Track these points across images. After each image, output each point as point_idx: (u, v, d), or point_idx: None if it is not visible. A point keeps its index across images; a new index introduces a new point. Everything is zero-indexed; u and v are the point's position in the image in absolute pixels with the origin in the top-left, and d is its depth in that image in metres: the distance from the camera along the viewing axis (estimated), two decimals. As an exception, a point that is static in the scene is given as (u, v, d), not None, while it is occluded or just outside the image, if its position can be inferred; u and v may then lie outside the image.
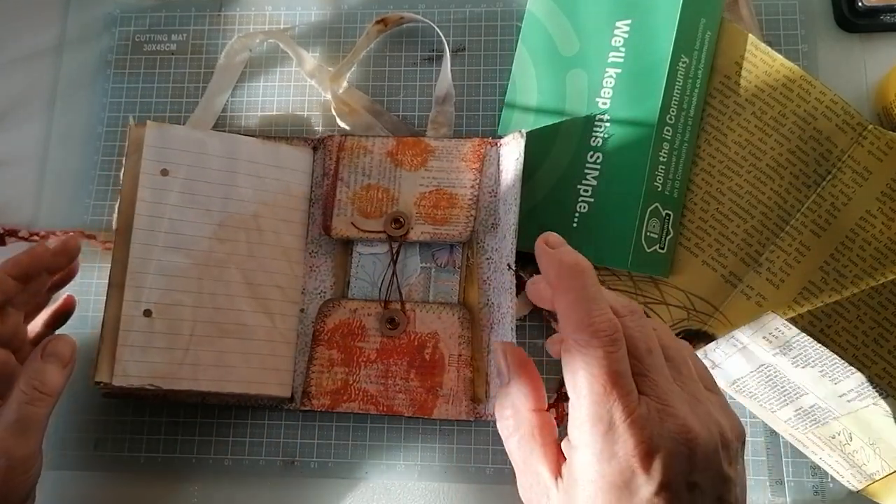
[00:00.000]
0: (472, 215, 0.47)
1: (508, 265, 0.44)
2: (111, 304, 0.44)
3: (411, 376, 0.45)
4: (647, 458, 0.28)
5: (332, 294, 0.48)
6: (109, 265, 0.45)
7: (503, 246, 0.45)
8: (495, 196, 0.47)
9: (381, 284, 0.47)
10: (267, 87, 0.52)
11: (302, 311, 0.47)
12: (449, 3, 0.52)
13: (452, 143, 0.48)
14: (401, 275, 0.47)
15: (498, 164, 0.47)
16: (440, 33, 0.50)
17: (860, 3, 0.48)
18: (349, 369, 0.46)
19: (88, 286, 0.49)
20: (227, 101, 0.52)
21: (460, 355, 0.45)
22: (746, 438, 0.45)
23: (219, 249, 0.46)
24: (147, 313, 0.44)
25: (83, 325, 0.49)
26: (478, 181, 0.47)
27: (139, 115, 0.52)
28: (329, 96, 0.51)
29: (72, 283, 0.49)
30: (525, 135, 0.45)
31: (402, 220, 0.47)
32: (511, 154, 0.46)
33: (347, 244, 0.48)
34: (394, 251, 0.47)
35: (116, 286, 0.44)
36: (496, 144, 0.47)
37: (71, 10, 0.54)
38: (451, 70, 0.50)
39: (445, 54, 0.50)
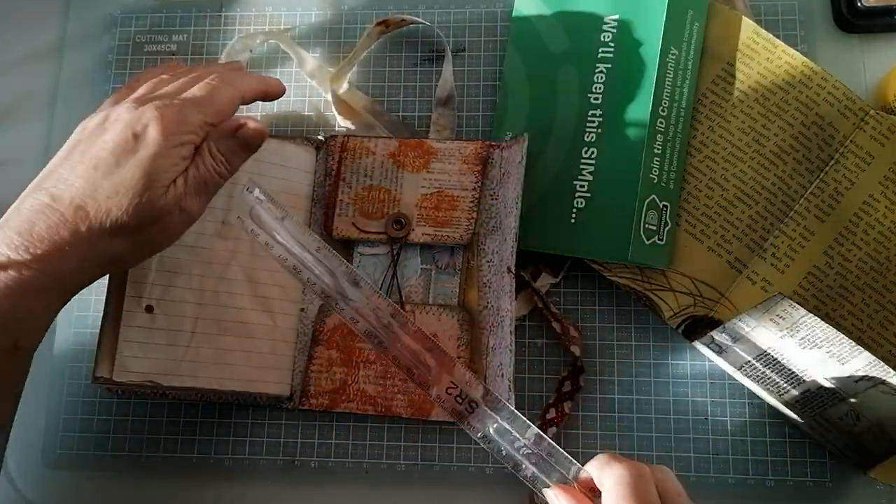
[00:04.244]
0: (473, 218, 0.47)
1: (508, 268, 0.44)
2: (112, 299, 0.44)
3: (409, 380, 0.45)
4: None
5: None
6: None
7: (503, 249, 0.45)
8: (496, 199, 0.47)
9: (382, 285, 0.47)
10: (267, 88, 0.52)
11: (302, 310, 0.47)
12: (449, 3, 0.52)
13: (455, 146, 0.48)
14: (401, 276, 0.47)
15: (500, 167, 0.47)
16: (441, 35, 0.51)
17: (860, 4, 0.48)
18: (348, 369, 0.46)
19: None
20: (228, 101, 0.52)
21: (459, 357, 0.45)
22: (754, 438, 0.45)
23: (221, 247, 0.46)
24: (148, 309, 0.44)
25: (83, 325, 0.49)
26: (479, 184, 0.47)
27: (140, 116, 0.52)
28: (329, 97, 0.51)
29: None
30: (528, 138, 0.45)
31: (403, 221, 0.47)
32: (513, 157, 0.46)
33: (348, 245, 0.48)
34: (394, 252, 0.47)
35: (118, 282, 0.44)
36: (499, 147, 0.47)
37: (71, 10, 0.54)
38: (452, 70, 0.50)
39: (447, 57, 0.50)
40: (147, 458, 0.47)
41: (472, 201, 0.47)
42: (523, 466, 0.38)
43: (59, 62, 0.54)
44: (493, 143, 0.47)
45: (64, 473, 0.48)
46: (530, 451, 0.38)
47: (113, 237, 0.37)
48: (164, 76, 0.42)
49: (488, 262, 0.46)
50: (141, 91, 0.41)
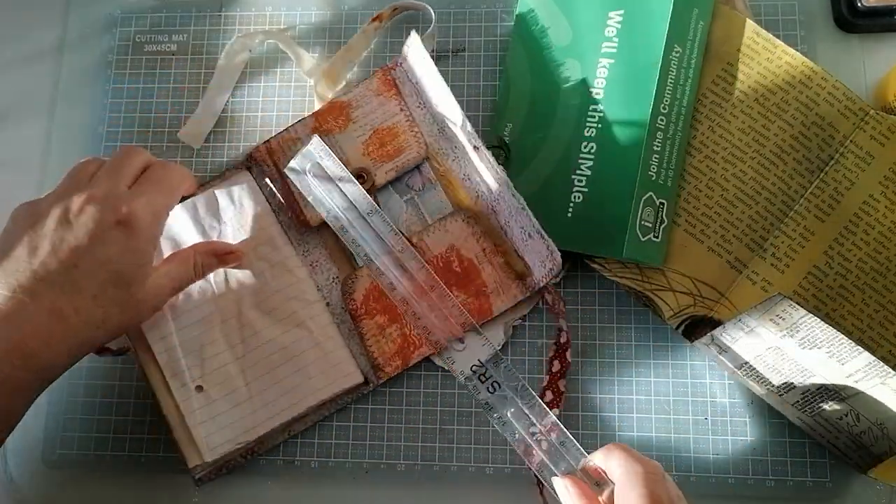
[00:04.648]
0: (417, 131, 0.48)
1: (474, 147, 0.45)
2: (163, 397, 0.46)
3: (455, 294, 0.46)
4: None
5: (344, 274, 0.48)
6: None
7: (458, 136, 0.46)
8: (424, 106, 0.48)
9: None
10: (267, 88, 0.52)
11: (328, 304, 0.47)
12: (449, 3, 0.52)
13: (361, 88, 0.49)
14: (392, 219, 0.47)
15: (408, 79, 0.48)
16: (430, 9, 0.50)
17: (860, 4, 0.48)
18: (400, 324, 0.46)
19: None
20: (228, 101, 0.52)
21: (484, 249, 0.46)
22: (754, 438, 0.45)
23: (223, 303, 0.47)
24: (199, 389, 0.45)
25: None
26: (402, 103, 0.48)
27: (140, 116, 0.52)
28: (330, 96, 0.51)
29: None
30: (415, 32, 0.46)
31: (363, 175, 0.48)
32: (415, 63, 0.47)
33: (327, 225, 0.48)
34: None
35: (158, 380, 0.46)
36: (395, 66, 0.49)
37: (71, 10, 0.54)
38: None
39: (432, 27, 0.50)
40: (147, 458, 0.47)
41: (407, 120, 0.48)
42: (533, 453, 0.38)
43: (59, 62, 0.54)
44: (391, 64, 0.49)
45: (64, 473, 0.48)
46: (543, 438, 0.38)
47: (96, 330, 0.39)
48: (103, 167, 0.41)
49: (454, 159, 0.48)
50: (95, 189, 0.40)
